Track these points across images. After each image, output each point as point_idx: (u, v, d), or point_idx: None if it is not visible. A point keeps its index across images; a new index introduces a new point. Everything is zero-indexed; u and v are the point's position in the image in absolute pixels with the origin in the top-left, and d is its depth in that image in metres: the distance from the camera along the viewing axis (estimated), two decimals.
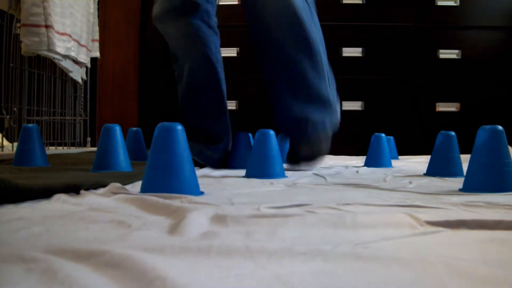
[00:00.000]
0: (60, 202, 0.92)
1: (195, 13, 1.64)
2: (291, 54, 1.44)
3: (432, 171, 1.64)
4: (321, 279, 0.46)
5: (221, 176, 1.57)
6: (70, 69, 2.78)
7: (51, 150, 2.64)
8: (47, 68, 2.75)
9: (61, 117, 2.92)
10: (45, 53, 2.44)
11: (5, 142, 2.34)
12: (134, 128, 2.26)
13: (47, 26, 2.41)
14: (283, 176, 1.55)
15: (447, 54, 3.43)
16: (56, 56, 2.57)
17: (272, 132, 1.57)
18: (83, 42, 2.89)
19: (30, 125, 1.80)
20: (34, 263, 0.47)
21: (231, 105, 3.58)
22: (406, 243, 0.60)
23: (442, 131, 1.66)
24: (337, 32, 3.50)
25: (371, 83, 3.45)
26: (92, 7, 3.04)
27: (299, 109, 1.52)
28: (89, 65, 3.04)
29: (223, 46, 3.68)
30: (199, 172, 1.69)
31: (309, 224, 0.71)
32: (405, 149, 3.11)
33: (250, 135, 2.08)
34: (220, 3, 3.56)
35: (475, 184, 1.15)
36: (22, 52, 2.34)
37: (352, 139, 3.45)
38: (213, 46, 1.71)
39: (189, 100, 1.69)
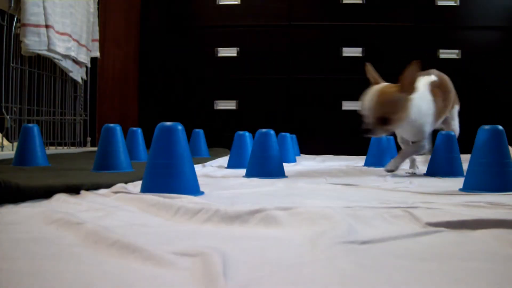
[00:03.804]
0: (60, 202, 0.92)
1: None
2: None
3: (432, 171, 1.64)
4: (324, 278, 0.46)
5: (221, 176, 1.56)
6: (70, 69, 2.78)
7: (51, 150, 2.64)
8: (47, 68, 2.74)
9: (61, 117, 2.92)
10: (45, 53, 2.44)
11: (5, 142, 2.34)
12: (134, 128, 2.26)
13: (47, 26, 2.41)
14: (283, 176, 1.55)
15: (447, 54, 3.43)
16: (56, 56, 2.57)
17: (272, 132, 1.57)
18: (83, 42, 2.89)
19: (30, 125, 1.80)
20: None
21: (231, 105, 3.58)
22: (406, 243, 0.60)
23: (442, 131, 1.67)
24: (337, 32, 3.50)
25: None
26: (92, 7, 3.04)
27: None
28: (89, 65, 3.04)
29: (223, 46, 3.70)
30: (200, 172, 1.69)
31: (309, 225, 0.71)
32: None
33: (250, 135, 2.08)
34: (220, 3, 3.56)
35: (475, 184, 1.15)
36: (22, 52, 2.34)
37: (352, 139, 3.45)
38: None
39: None
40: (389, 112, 1.49)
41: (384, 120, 1.50)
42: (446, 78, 1.80)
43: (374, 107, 1.49)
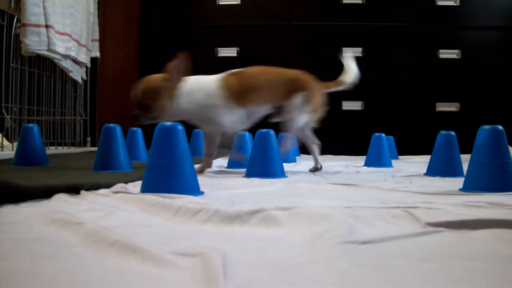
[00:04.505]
0: (60, 202, 0.92)
1: None
2: None
3: (432, 171, 1.64)
4: (324, 278, 0.46)
5: (221, 176, 1.57)
6: (70, 69, 2.78)
7: (51, 150, 2.64)
8: (47, 68, 2.74)
9: (61, 117, 2.92)
10: (45, 53, 2.44)
11: (5, 142, 2.34)
12: (134, 128, 2.26)
13: (47, 26, 2.41)
14: (283, 176, 1.55)
15: (447, 54, 3.43)
16: (56, 56, 2.57)
17: (272, 132, 1.57)
18: (83, 42, 2.89)
19: (30, 124, 1.80)
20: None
21: None
22: (406, 243, 0.60)
23: (442, 131, 1.66)
24: (337, 32, 3.50)
25: (371, 83, 3.45)
26: (92, 7, 3.04)
27: None
28: (89, 65, 3.04)
29: (223, 46, 3.70)
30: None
31: (309, 225, 0.71)
32: (405, 149, 3.11)
33: (250, 135, 2.08)
34: (220, 3, 3.56)
35: (475, 184, 1.15)
36: (22, 52, 2.34)
37: (352, 139, 3.45)
38: None
39: None
40: (149, 99, 1.54)
41: (146, 107, 1.54)
42: (256, 69, 1.76)
43: (136, 95, 1.55)
